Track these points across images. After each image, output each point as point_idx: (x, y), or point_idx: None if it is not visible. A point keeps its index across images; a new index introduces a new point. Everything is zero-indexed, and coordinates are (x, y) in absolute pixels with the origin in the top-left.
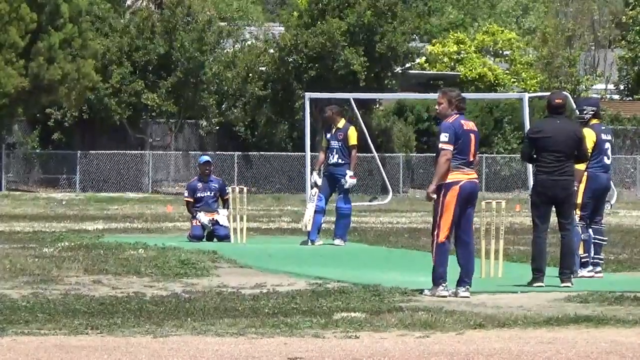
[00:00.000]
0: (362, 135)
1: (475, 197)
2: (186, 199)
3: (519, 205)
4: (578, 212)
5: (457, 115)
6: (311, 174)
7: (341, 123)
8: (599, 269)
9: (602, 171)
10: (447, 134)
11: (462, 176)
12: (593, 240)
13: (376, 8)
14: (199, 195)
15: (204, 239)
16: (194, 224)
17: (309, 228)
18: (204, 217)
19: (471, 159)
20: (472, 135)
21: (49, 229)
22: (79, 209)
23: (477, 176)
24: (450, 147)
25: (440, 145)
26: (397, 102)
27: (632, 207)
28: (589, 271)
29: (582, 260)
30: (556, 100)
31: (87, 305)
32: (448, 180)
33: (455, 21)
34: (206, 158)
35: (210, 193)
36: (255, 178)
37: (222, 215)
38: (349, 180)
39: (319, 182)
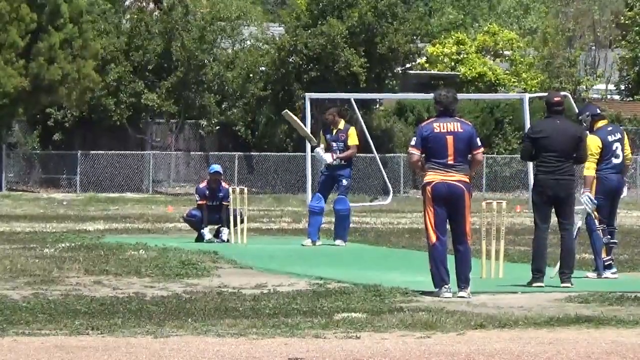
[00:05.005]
0: (363, 135)
1: (456, 199)
2: (199, 202)
3: (519, 206)
4: (597, 215)
5: (434, 118)
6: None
7: (341, 124)
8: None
9: (612, 172)
10: (415, 138)
11: (435, 177)
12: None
13: (376, 9)
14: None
15: (202, 226)
16: (193, 208)
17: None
18: (207, 234)
19: (450, 161)
20: (449, 137)
21: (49, 229)
22: (80, 209)
23: (460, 178)
24: (415, 151)
25: (408, 149)
26: (398, 102)
27: (632, 208)
28: (612, 272)
29: (606, 263)
30: (555, 99)
31: (87, 305)
32: (424, 181)
33: (455, 21)
34: (216, 168)
35: (217, 202)
36: (255, 178)
37: (224, 234)
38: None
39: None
